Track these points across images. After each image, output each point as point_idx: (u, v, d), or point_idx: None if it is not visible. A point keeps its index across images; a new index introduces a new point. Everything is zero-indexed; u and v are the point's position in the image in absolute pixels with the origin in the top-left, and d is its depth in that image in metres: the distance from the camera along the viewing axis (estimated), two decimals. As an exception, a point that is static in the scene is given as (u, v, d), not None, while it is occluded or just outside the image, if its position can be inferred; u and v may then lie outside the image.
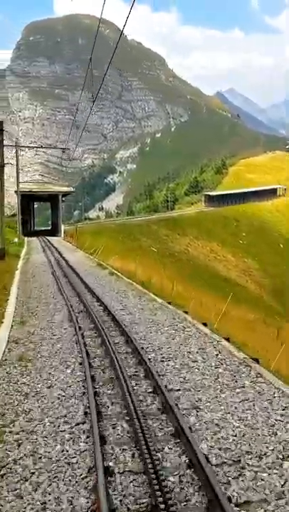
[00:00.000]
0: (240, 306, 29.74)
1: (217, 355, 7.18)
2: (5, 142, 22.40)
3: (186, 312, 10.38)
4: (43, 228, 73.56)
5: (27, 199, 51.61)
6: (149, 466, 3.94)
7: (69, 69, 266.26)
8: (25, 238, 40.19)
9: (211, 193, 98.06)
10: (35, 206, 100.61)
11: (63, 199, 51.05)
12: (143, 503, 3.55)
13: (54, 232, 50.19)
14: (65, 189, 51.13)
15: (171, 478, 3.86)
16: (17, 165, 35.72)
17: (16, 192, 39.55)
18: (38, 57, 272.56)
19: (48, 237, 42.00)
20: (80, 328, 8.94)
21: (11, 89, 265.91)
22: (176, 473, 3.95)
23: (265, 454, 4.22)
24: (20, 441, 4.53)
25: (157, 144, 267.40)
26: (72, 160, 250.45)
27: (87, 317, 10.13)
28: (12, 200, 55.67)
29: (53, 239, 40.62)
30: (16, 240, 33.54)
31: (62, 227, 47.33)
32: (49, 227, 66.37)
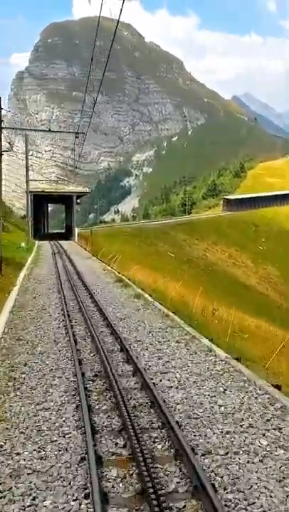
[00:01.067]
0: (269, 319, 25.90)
1: None
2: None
3: (277, 387, 5.97)
4: (56, 231, 70.23)
5: (40, 200, 47.97)
6: None
7: (86, 71, 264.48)
8: (36, 242, 36.54)
9: (230, 197, 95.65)
10: (50, 208, 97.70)
11: (78, 201, 47.20)
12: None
13: (68, 235, 46.42)
14: (80, 189, 47.15)
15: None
16: (26, 157, 31.69)
17: (27, 192, 35.69)
18: (55, 59, 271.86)
19: (61, 241, 38.22)
20: (93, 430, 4.69)
21: (28, 91, 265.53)
22: None
23: None
24: None
25: (174, 147, 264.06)
26: (88, 163, 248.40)
27: (106, 392, 5.85)
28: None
29: (65, 243, 36.81)
30: (24, 244, 29.54)
31: (77, 231, 43.53)
32: (63, 230, 62.89)
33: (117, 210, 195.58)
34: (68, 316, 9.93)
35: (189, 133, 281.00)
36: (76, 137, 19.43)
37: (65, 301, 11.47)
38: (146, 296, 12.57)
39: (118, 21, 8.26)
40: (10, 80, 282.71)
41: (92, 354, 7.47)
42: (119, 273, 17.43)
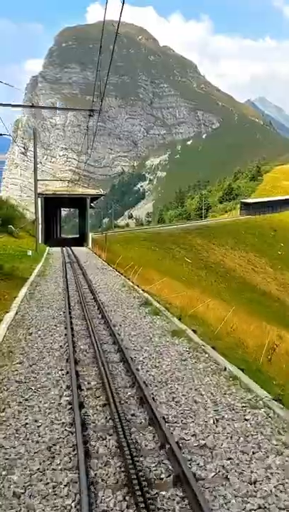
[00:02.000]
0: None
1: None
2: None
3: None
4: (70, 236, 67.46)
5: (51, 203, 44.93)
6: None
7: (101, 75, 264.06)
8: (47, 248, 33.37)
9: (247, 201, 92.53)
10: (64, 213, 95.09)
11: (92, 204, 44.04)
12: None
13: (81, 241, 43.31)
14: (94, 192, 44.01)
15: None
16: (35, 155, 28.55)
17: (38, 194, 32.51)
18: (69, 63, 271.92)
19: (74, 248, 34.97)
20: None
21: (42, 95, 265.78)
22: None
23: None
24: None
25: (188, 151, 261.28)
26: (102, 167, 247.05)
27: None
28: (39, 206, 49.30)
29: (79, 250, 33.58)
30: (31, 252, 26.13)
31: (91, 236, 40.30)
32: (77, 235, 59.98)
33: (131, 214, 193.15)
34: (77, 375, 6.41)
35: (204, 136, 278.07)
36: (90, 115, 16.58)
37: (73, 342, 8.03)
38: (189, 331, 9.01)
39: (119, 22, 8.00)
40: (24, 85, 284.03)
41: (118, 495, 3.74)
42: (143, 290, 13.97)
